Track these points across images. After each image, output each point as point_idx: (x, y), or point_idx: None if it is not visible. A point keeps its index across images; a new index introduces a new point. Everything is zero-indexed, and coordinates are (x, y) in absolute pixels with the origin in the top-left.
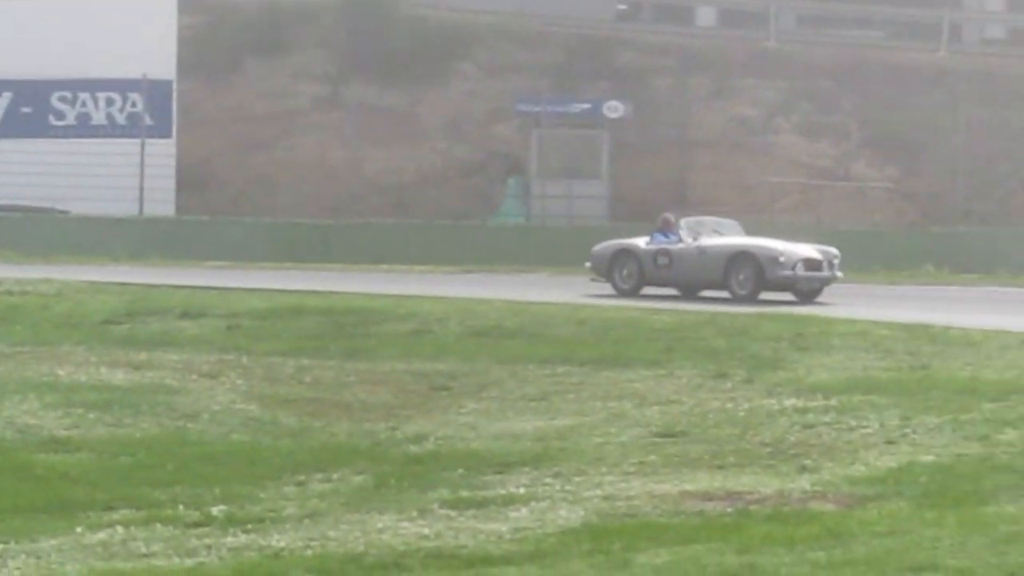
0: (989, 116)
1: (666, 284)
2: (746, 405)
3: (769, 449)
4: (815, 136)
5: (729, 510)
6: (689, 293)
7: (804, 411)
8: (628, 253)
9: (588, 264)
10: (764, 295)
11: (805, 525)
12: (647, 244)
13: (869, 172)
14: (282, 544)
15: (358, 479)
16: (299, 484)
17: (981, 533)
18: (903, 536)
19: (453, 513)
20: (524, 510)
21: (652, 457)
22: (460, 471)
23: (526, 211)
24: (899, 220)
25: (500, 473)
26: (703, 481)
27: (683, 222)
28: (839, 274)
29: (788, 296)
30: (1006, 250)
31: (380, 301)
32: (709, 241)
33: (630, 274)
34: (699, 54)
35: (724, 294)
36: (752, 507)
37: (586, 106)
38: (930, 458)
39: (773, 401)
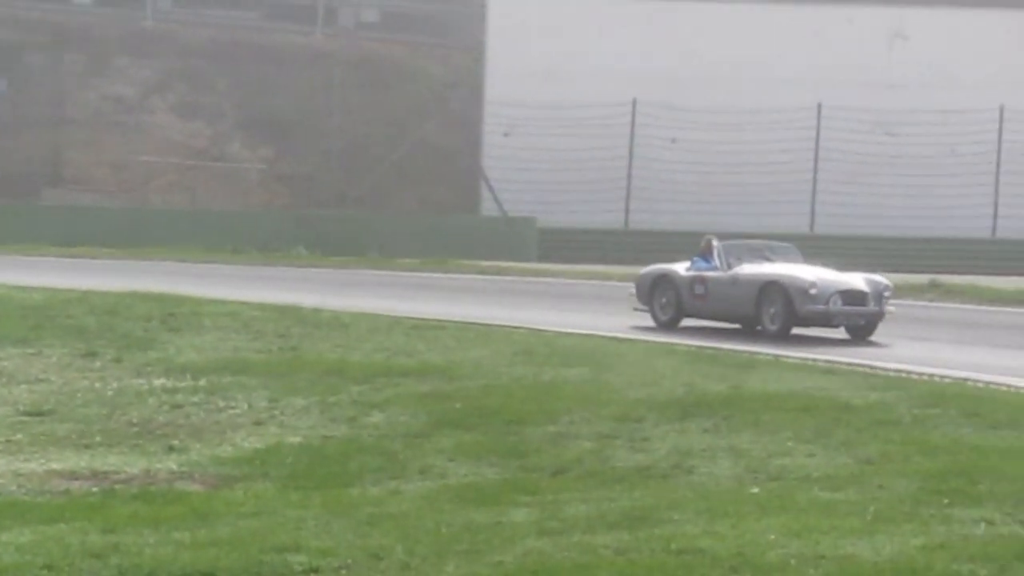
0: (364, 100)
1: (702, 316)
2: (115, 385)
3: (137, 429)
4: (190, 116)
5: (95, 489)
6: (747, 326)
7: (173, 391)
8: (668, 280)
9: (632, 291)
10: (814, 333)
11: (171, 505)
12: (686, 270)
13: (244, 153)
14: None
15: None
16: None
17: (345, 515)
18: (268, 517)
19: None
20: None
21: (19, 436)
22: None
23: None
24: (273, 202)
25: None
26: (70, 460)
27: (719, 245)
28: (890, 308)
29: (839, 333)
30: (378, 233)
31: None
32: (744, 269)
33: (669, 304)
34: (75, 31)
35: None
36: (118, 487)
37: None
38: (297, 439)
39: (142, 381)
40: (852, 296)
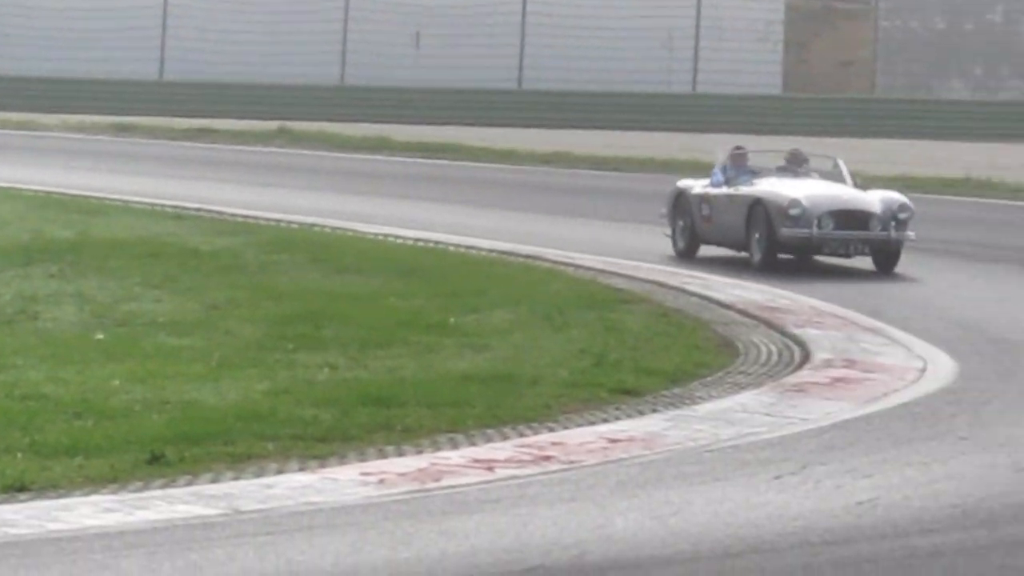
0: None
1: (710, 242)
2: None
3: None
4: None
5: None
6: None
7: None
8: (684, 199)
9: (663, 212)
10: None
11: None
12: (703, 187)
13: None
14: None
15: None
16: None
17: None
18: None
19: None
20: None
21: None
22: None
23: None
24: None
25: None
26: None
27: (724, 156)
28: (908, 234)
29: (861, 263)
30: None
31: None
32: (745, 186)
33: (685, 228)
34: None
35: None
36: None
37: None
38: None
39: None
40: (849, 218)
